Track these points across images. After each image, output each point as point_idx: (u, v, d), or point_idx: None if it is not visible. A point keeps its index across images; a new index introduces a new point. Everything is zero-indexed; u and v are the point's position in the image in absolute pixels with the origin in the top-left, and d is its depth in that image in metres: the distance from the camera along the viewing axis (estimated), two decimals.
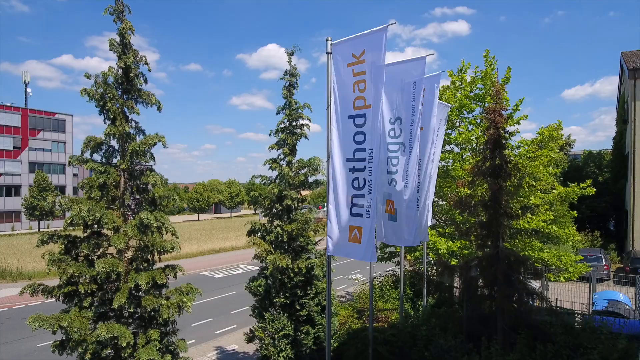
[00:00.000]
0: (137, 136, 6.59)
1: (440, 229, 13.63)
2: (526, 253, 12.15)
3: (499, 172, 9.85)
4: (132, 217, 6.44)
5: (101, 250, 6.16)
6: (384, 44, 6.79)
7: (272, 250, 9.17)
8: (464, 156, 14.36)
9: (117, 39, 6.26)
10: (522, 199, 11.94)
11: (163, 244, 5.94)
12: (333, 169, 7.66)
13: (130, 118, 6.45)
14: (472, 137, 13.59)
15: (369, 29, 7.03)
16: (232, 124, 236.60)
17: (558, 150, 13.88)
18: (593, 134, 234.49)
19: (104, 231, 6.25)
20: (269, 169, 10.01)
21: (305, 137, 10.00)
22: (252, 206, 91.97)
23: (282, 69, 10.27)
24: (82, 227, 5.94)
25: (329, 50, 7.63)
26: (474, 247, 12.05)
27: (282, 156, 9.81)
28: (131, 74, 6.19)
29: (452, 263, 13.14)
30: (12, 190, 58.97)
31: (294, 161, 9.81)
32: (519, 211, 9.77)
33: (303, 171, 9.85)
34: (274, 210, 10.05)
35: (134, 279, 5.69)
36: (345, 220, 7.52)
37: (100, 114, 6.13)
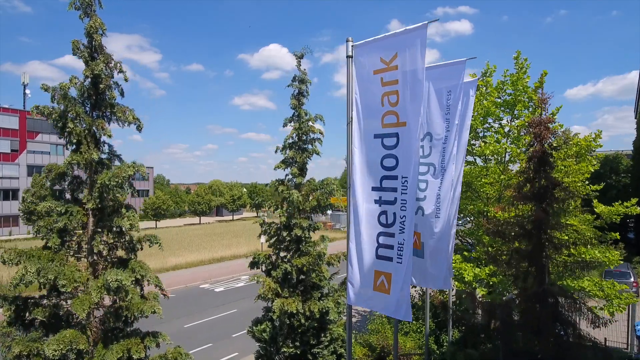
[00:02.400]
0: (112, 162, 5.21)
1: (466, 253, 12.17)
2: (564, 282, 10.71)
3: (544, 195, 8.42)
4: (106, 266, 5.06)
5: (64, 311, 4.79)
6: (423, 47, 5.38)
7: (279, 289, 7.76)
8: (489, 168, 12.92)
9: (85, 41, 4.87)
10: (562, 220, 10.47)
11: (141, 306, 4.57)
12: (354, 198, 6.23)
13: (102, 140, 5.07)
14: (500, 149, 12.12)
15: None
16: (234, 124, 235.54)
17: (595, 163, 12.38)
18: None
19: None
20: (275, 191, 8.61)
21: (317, 153, 8.59)
22: (254, 209, 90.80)
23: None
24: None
25: (350, 54, 6.21)
26: (502, 273, 10.65)
27: (290, 177, 8.41)
28: (101, 86, 4.79)
29: (481, 292, 11.75)
30: (9, 194, 57.87)
31: (303, 182, 8.41)
32: (569, 241, 8.36)
33: (317, 191, 8.44)
34: (280, 237, 8.65)
35: (102, 356, 4.31)
36: (369, 264, 6.10)
37: (60, 138, 4.76)
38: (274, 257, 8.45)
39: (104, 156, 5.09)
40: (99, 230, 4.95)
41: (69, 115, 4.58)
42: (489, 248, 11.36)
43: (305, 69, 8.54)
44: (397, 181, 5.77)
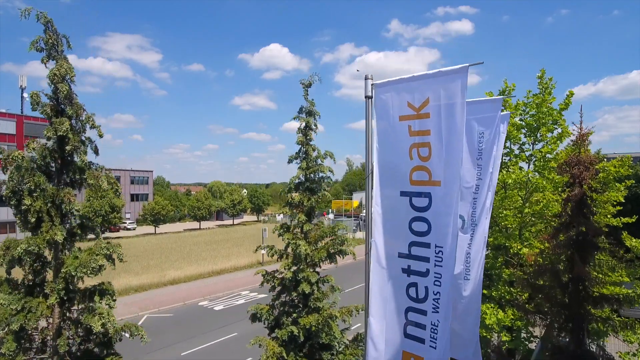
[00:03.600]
0: (85, 234, 4.25)
1: (485, 291, 11.18)
2: (594, 326, 9.74)
3: (583, 243, 7.50)
4: None
5: None
6: (463, 94, 4.41)
7: (283, 354, 6.80)
8: (509, 197, 11.97)
9: (49, 91, 3.90)
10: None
11: None
12: (377, 263, 5.26)
13: (70, 210, 4.11)
14: (522, 178, 11.15)
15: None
16: (235, 124, 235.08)
17: (623, 188, 11.40)
18: (597, 134, 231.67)
19: None
20: (278, 235, 7.67)
21: (327, 194, 7.65)
22: (255, 213, 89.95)
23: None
24: None
25: (370, 94, 5.22)
26: (526, 318, 9.68)
27: (296, 222, 7.46)
28: (68, 147, 3.83)
29: (504, 338, 10.79)
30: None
31: (312, 228, 7.46)
32: (612, 295, 7.39)
33: (324, 241, 7.50)
34: (284, 286, 7.71)
35: None
36: (396, 343, 5.12)
37: (15, 216, 3.81)
38: (276, 312, 7.51)
39: (74, 230, 4.13)
40: (67, 321, 4.02)
41: (26, 187, 3.63)
42: (511, 288, 10.43)
43: (312, 99, 7.59)
44: (429, 250, 4.78)
